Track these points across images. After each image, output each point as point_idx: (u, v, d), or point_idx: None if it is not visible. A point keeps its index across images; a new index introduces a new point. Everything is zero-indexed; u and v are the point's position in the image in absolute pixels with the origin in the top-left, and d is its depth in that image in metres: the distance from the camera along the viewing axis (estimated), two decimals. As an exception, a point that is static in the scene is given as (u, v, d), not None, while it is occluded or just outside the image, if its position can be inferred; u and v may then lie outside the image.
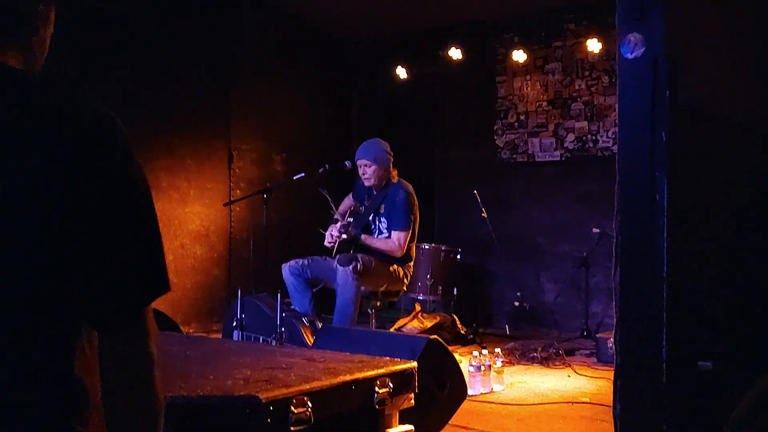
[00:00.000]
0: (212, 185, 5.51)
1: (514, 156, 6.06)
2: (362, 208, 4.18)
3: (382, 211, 4.11)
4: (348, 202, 4.33)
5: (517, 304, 5.86)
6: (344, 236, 3.93)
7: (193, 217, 5.36)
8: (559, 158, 5.82)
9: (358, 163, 4.12)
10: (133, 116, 4.56)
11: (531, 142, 5.94)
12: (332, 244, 4.04)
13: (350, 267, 3.88)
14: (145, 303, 1.05)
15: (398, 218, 4.00)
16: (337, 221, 4.10)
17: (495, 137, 6.15)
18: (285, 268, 4.15)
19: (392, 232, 4.04)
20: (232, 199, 5.42)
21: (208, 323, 5.37)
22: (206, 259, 5.44)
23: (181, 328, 3.97)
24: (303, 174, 4.30)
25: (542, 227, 5.90)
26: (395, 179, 4.12)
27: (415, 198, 4.09)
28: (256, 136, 5.84)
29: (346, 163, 4.24)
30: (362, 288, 3.96)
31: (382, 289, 4.09)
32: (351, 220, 4.08)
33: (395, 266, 4.06)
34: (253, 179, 5.73)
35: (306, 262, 4.10)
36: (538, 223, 5.93)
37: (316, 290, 4.12)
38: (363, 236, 4.04)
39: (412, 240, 4.09)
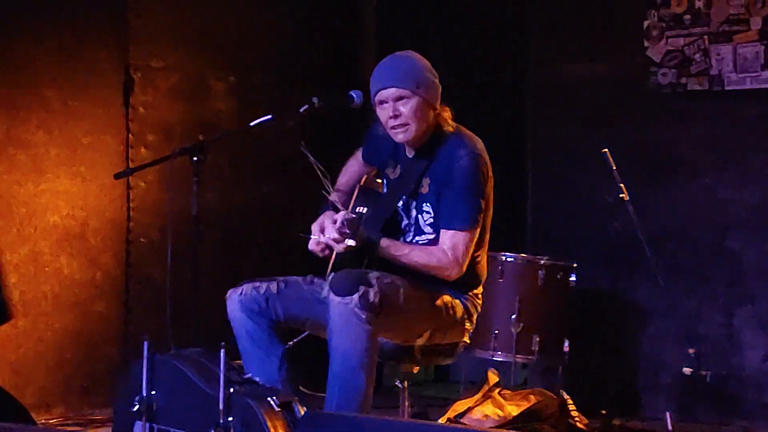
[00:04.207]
0: (92, 138, 4.53)
1: (683, 80, 4.94)
2: (384, 184, 3.47)
3: (424, 190, 3.32)
4: (356, 167, 3.54)
5: (689, 371, 4.68)
6: (349, 242, 3.09)
7: (54, 202, 4.46)
8: (773, 85, 4.76)
9: (381, 96, 3.26)
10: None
11: (716, 54, 4.91)
12: (326, 254, 3.24)
13: (354, 298, 3.05)
14: None
15: (456, 204, 3.22)
16: (334, 210, 3.32)
17: (645, 44, 4.99)
18: (233, 300, 3.30)
19: (443, 231, 3.23)
20: (131, 166, 4.54)
21: (85, 405, 4.49)
22: (81, 282, 4.52)
23: (34, 415, 3.43)
24: (270, 117, 3.44)
25: (740, 219, 4.77)
26: (449, 127, 3.30)
27: (489, 164, 3.26)
28: (178, 45, 4.84)
29: (352, 94, 3.35)
30: (383, 339, 3.19)
31: (421, 341, 3.28)
32: (363, 209, 3.36)
33: (447, 297, 3.30)
34: (172, 127, 4.77)
35: (274, 287, 3.27)
36: (730, 211, 4.79)
37: (292, 343, 3.37)
38: (385, 241, 3.25)
39: (479, 246, 3.27)
